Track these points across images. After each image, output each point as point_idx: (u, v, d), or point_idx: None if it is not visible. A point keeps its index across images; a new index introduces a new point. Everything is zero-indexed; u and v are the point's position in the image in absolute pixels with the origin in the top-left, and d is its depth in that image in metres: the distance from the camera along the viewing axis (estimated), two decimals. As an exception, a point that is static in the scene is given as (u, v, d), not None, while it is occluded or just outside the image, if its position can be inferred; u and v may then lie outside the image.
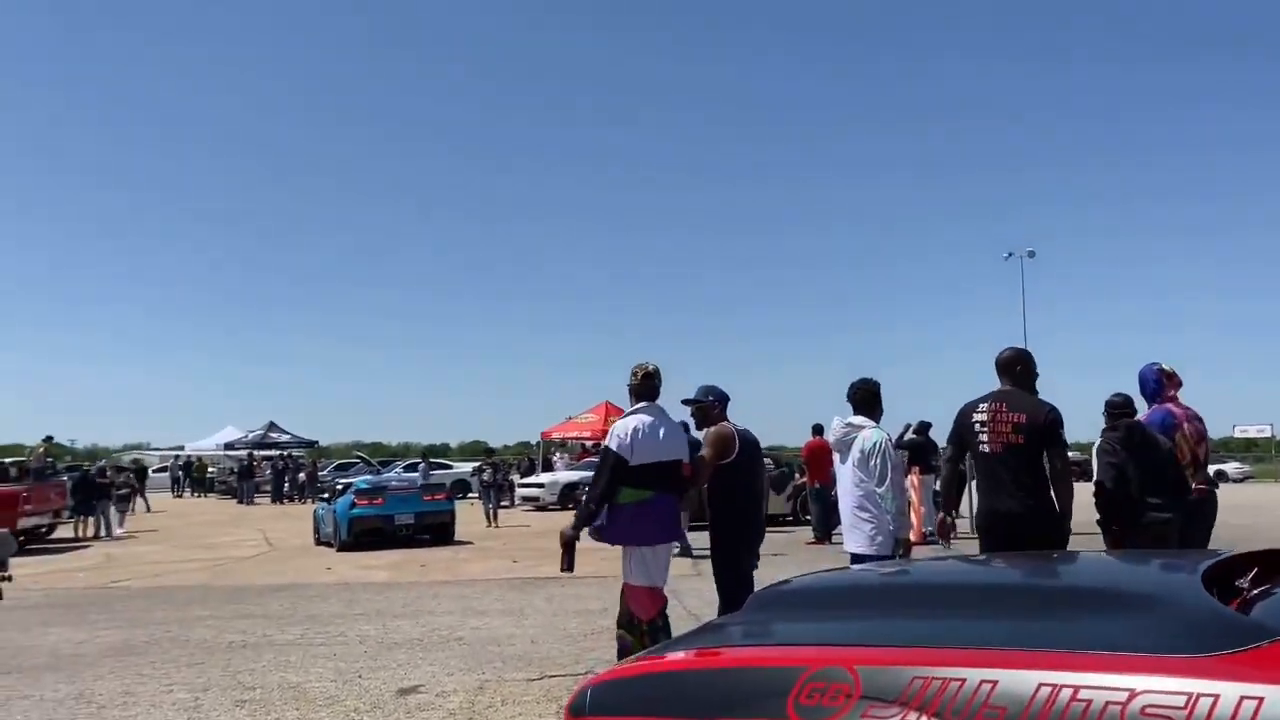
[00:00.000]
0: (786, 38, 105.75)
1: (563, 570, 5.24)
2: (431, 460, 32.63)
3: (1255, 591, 2.16)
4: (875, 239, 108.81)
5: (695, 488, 5.68)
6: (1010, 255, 44.06)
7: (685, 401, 5.82)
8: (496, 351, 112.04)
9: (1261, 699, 1.57)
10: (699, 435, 5.84)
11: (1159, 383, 5.68)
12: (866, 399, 5.86)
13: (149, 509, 22.82)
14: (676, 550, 6.37)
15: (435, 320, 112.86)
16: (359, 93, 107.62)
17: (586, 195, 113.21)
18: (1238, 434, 56.47)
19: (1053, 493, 4.80)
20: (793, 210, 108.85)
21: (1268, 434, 58.25)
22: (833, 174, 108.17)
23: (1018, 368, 5.02)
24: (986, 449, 4.86)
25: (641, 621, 5.16)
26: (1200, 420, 5.68)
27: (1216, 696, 1.60)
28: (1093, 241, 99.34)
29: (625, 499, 5.08)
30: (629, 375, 5.38)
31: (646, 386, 5.31)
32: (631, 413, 5.25)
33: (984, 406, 4.91)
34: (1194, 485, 5.43)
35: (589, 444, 28.64)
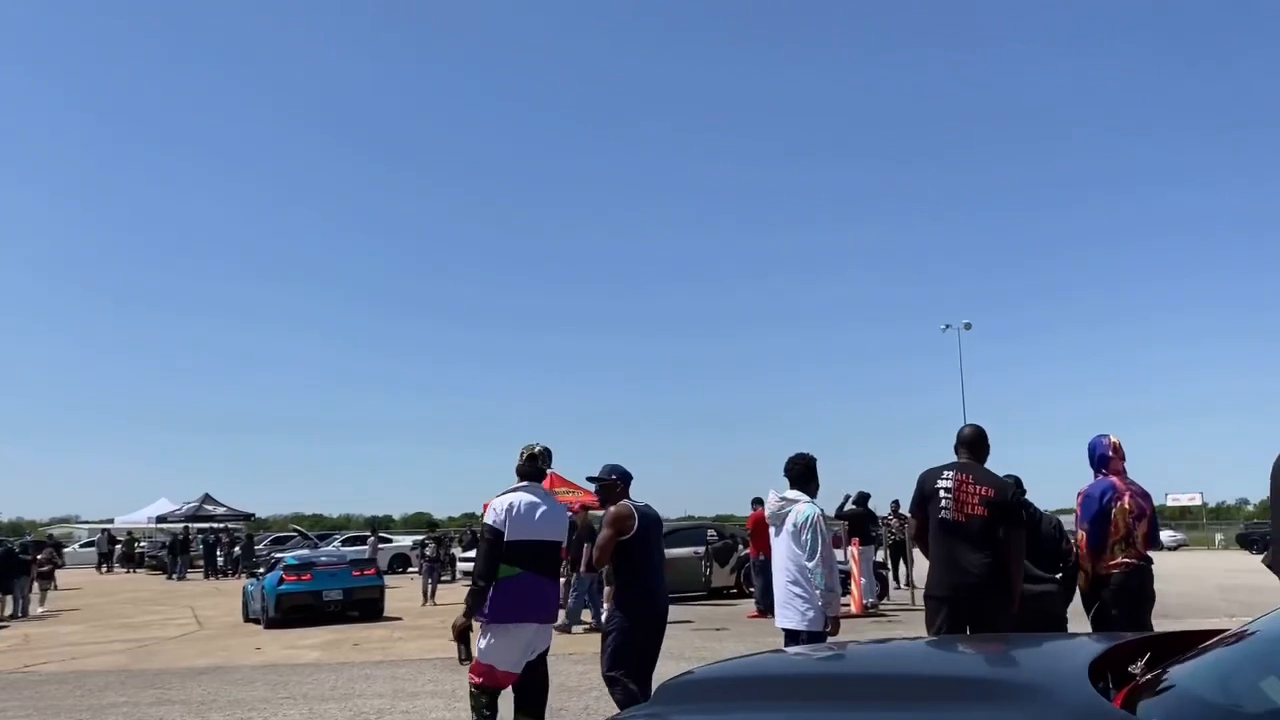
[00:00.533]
0: (714, 117, 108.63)
1: (461, 662, 5.21)
2: (380, 535, 32.04)
3: (1146, 679, 2.16)
4: (823, 312, 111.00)
5: (598, 567, 5.73)
6: (948, 327, 45.17)
7: (590, 479, 5.87)
8: (440, 421, 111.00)
9: None
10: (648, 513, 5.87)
11: (1106, 455, 5.70)
12: (802, 474, 5.92)
13: (55, 586, 21.90)
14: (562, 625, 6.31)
15: (379, 389, 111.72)
16: (275, 170, 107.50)
17: (532, 254, 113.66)
18: (1170, 502, 57.76)
19: (1005, 567, 4.90)
20: (744, 284, 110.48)
21: (1198, 502, 59.64)
22: (782, 260, 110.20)
23: (980, 444, 5.20)
24: (949, 517, 4.96)
25: (475, 688, 5.14)
26: (1146, 498, 5.67)
27: None
28: (1028, 313, 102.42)
29: (497, 575, 5.09)
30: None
31: (529, 467, 5.40)
32: (510, 490, 5.30)
33: (949, 475, 5.03)
34: (1120, 560, 5.45)
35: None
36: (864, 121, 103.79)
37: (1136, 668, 2.33)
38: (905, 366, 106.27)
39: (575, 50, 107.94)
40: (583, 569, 12.37)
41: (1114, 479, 5.59)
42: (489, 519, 5.17)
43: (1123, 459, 5.69)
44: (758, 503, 14.79)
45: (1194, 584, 19.03)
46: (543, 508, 5.25)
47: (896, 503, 18.73)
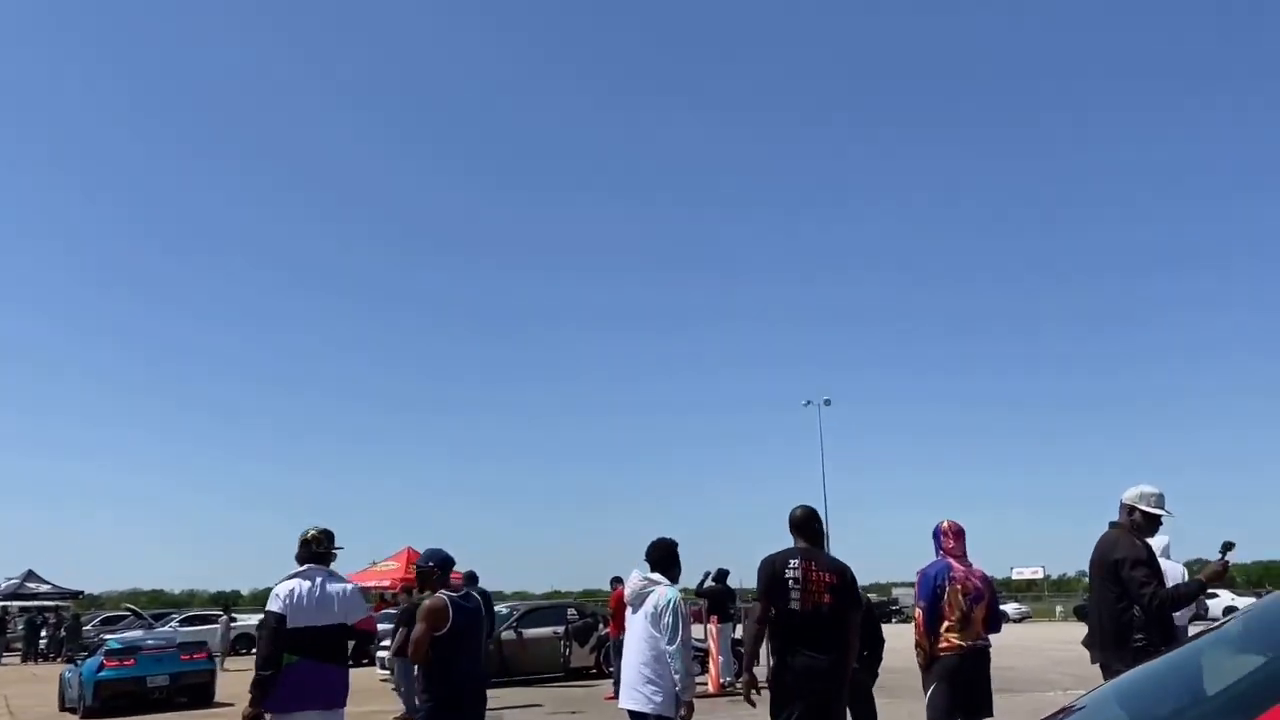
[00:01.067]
0: (591, 191, 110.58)
1: None
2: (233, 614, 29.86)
3: None
4: (685, 391, 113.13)
5: (414, 662, 5.59)
6: (809, 403, 46.58)
7: (414, 564, 5.79)
8: (292, 490, 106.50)
9: None
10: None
11: (939, 537, 5.82)
12: (663, 558, 5.91)
13: None
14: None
15: (226, 455, 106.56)
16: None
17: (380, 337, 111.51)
18: (1015, 575, 60.52)
19: (848, 652, 5.08)
20: (610, 370, 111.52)
21: (1040, 575, 62.63)
22: (639, 333, 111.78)
23: (814, 525, 5.28)
24: (797, 606, 5.00)
25: None
26: (985, 581, 5.77)
27: None
28: (887, 389, 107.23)
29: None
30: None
31: (305, 552, 5.38)
32: (291, 575, 5.21)
33: (795, 564, 5.07)
34: (955, 643, 5.52)
35: (389, 594, 27.24)
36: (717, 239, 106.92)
37: None
38: (773, 441, 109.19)
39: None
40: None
41: (951, 560, 5.69)
42: (271, 605, 5.11)
43: (958, 540, 5.80)
44: (617, 581, 14.67)
45: (1033, 657, 19.83)
46: (319, 592, 5.19)
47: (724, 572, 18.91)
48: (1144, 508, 5.33)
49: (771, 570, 5.14)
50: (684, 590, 5.92)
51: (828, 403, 45.90)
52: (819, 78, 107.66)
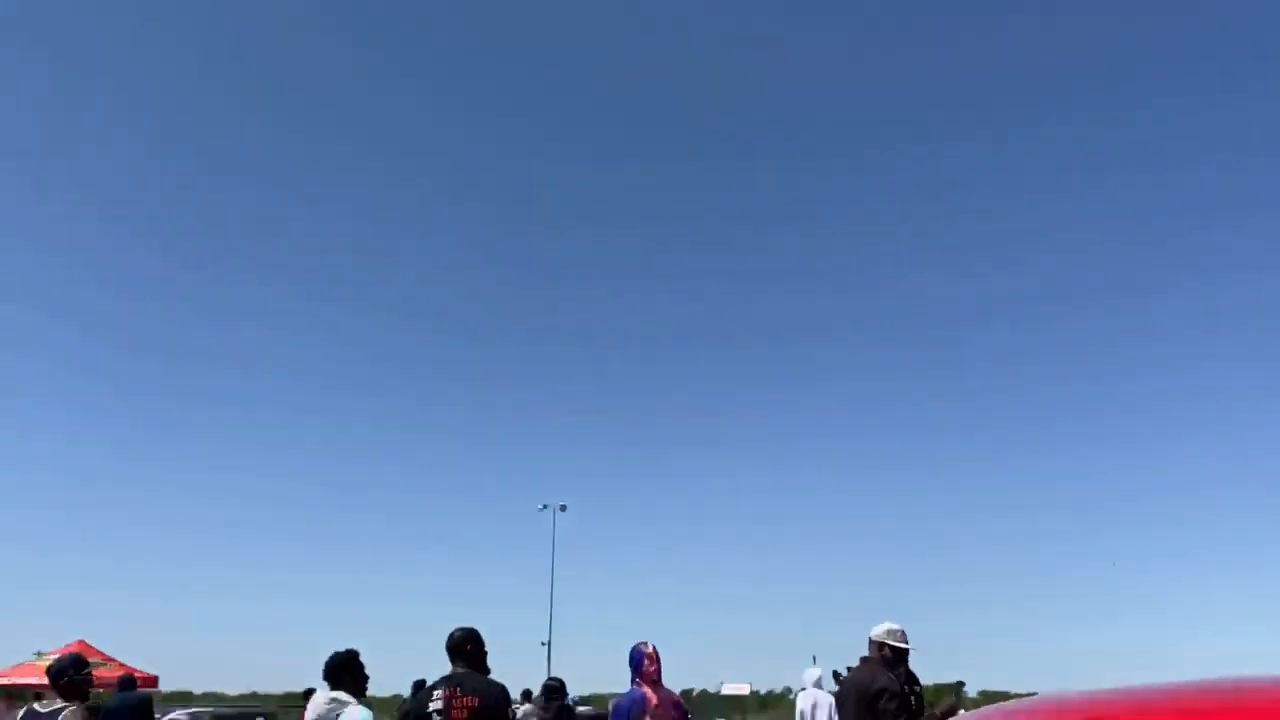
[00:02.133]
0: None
1: None
2: None
3: None
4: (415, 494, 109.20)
5: None
6: (545, 507, 46.60)
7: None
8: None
9: None
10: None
11: (641, 663, 5.85)
12: (335, 670, 5.65)
13: None
14: None
15: None
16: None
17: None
18: (724, 691, 62.60)
19: None
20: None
21: (747, 691, 65.24)
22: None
23: (468, 647, 5.19)
24: None
25: None
26: (679, 707, 5.89)
27: None
28: (625, 494, 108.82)
29: None
30: None
31: None
32: None
33: (439, 694, 4.99)
34: None
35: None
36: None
37: None
38: (510, 547, 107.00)
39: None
40: None
41: (646, 689, 5.75)
42: None
43: (657, 666, 5.86)
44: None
45: None
46: None
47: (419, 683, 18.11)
48: (892, 643, 5.96)
49: (417, 707, 5.09)
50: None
51: (563, 508, 46.21)
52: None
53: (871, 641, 6.02)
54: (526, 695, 15.64)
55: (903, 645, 6.00)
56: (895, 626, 6.04)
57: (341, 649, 5.71)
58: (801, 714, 9.61)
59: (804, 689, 9.74)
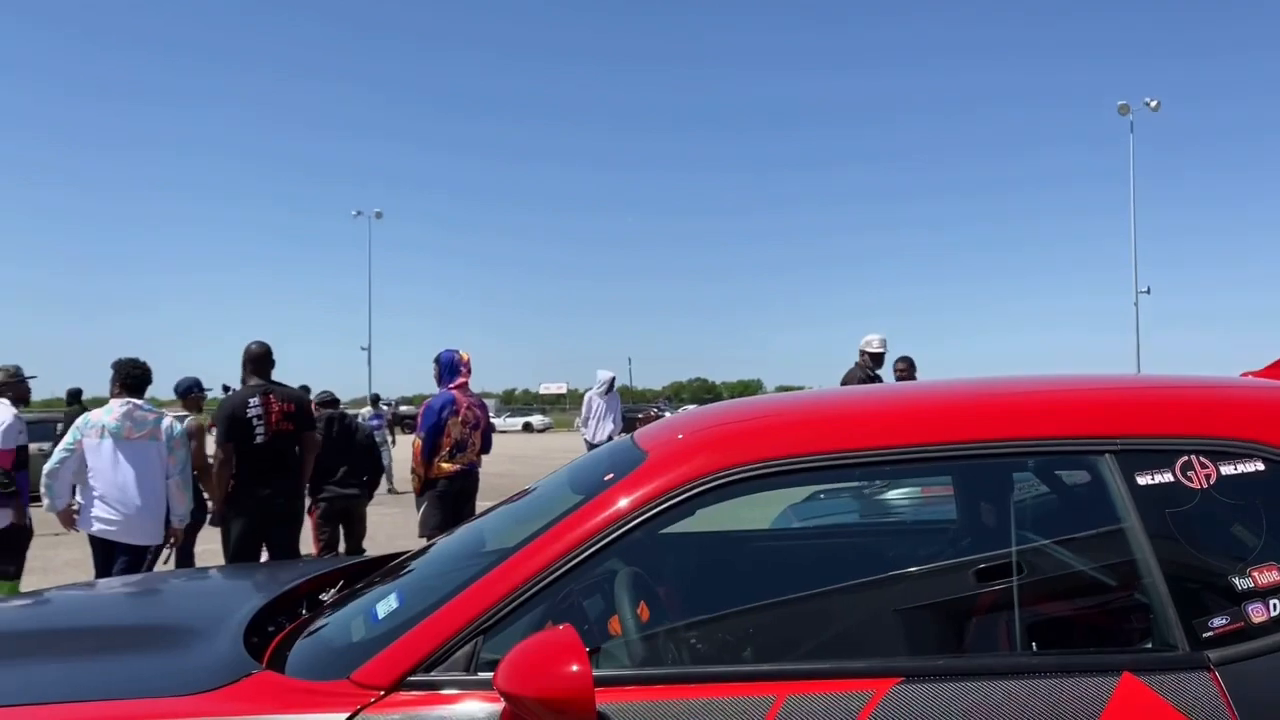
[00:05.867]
0: None
1: None
2: None
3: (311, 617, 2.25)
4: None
5: None
6: (359, 214, 45.44)
7: None
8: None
9: None
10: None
11: (456, 369, 5.99)
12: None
13: None
14: None
15: None
16: None
17: None
18: (542, 390, 66.41)
19: (302, 473, 5.69)
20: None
21: (564, 390, 69.32)
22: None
23: (265, 360, 5.61)
24: (262, 441, 5.33)
25: None
26: (483, 408, 6.10)
27: None
28: (437, 202, 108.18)
29: None
30: None
31: None
32: None
33: (255, 400, 5.36)
34: (452, 467, 5.78)
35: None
36: None
37: (327, 596, 2.42)
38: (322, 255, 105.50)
39: None
40: None
41: (455, 392, 5.89)
42: None
43: (469, 372, 6.04)
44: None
45: (533, 464, 21.73)
46: None
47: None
48: (869, 350, 7.67)
49: (232, 410, 5.38)
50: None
51: (379, 215, 45.19)
52: None
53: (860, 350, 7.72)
54: (376, 399, 16.12)
55: (877, 350, 7.68)
56: (874, 336, 7.70)
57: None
58: (587, 404, 10.69)
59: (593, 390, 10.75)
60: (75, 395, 12.84)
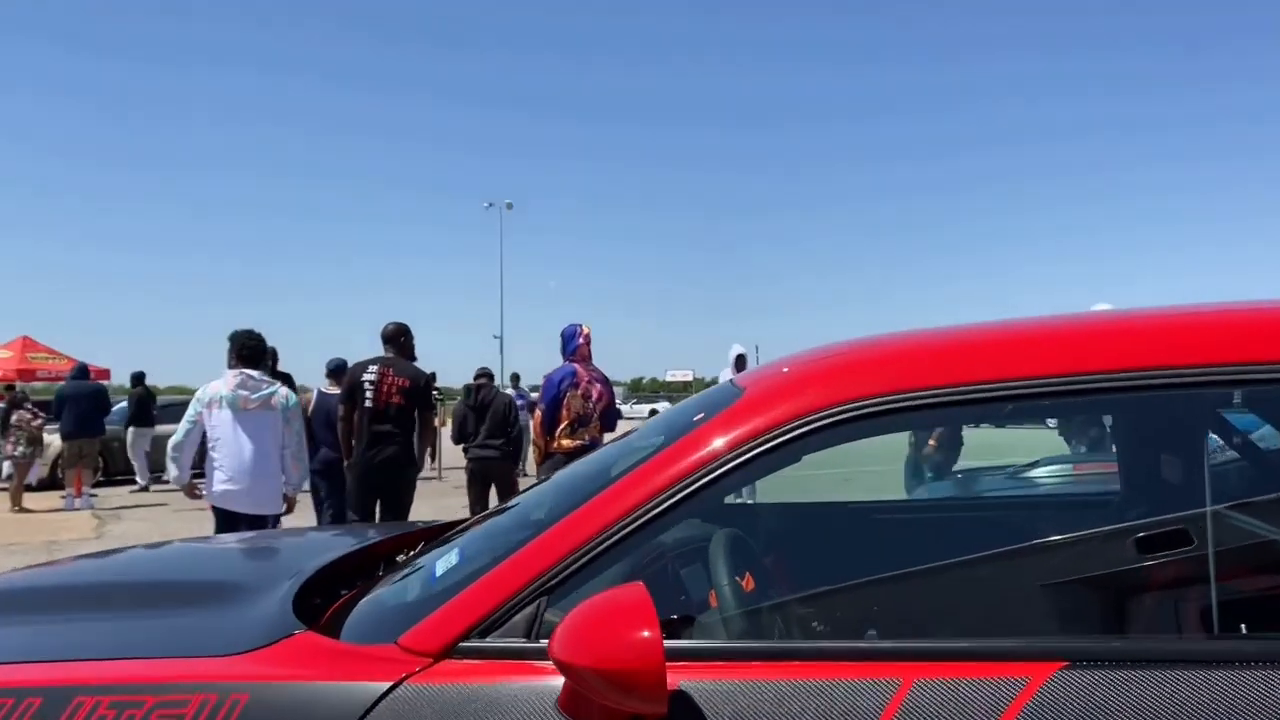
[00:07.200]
0: None
1: None
2: None
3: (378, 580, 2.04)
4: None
5: None
6: (490, 205, 46.28)
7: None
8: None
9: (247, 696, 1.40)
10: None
11: (577, 343, 5.92)
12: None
13: None
14: None
15: None
16: None
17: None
18: (669, 378, 66.46)
19: (414, 444, 6.04)
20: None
21: (691, 378, 69.30)
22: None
23: (401, 338, 6.09)
24: (370, 405, 5.83)
25: None
26: (606, 383, 5.98)
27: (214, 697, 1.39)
28: (566, 196, 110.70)
29: None
30: None
31: None
32: None
33: (374, 369, 5.90)
34: (573, 442, 5.66)
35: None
36: None
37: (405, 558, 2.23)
38: (450, 244, 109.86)
39: None
40: None
41: (577, 365, 5.83)
42: None
43: (589, 346, 5.97)
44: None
45: None
46: None
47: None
48: None
49: (351, 375, 5.99)
50: None
51: (510, 206, 45.94)
52: None
53: None
54: (515, 379, 15.93)
55: None
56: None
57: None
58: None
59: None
60: (139, 378, 13.77)
